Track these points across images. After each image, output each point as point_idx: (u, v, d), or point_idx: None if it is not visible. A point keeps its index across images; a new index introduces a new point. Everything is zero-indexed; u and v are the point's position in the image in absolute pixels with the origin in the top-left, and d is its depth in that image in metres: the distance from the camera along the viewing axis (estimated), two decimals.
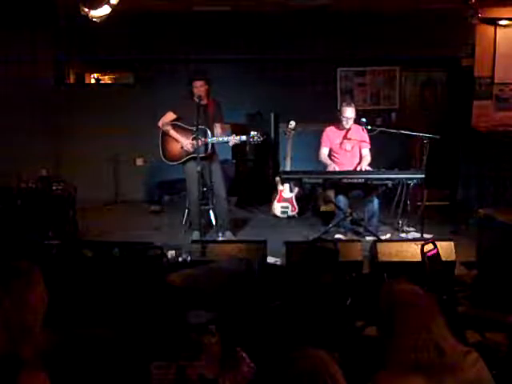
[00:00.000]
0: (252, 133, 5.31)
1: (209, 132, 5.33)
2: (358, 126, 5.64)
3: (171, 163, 5.54)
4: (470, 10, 6.83)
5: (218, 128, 5.49)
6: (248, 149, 7.43)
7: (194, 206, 5.48)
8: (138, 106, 7.31)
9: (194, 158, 5.26)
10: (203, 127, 5.27)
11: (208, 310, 3.02)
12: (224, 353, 2.27)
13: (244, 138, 5.32)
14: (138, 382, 2.19)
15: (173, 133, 5.46)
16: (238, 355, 2.18)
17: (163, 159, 5.54)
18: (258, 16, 7.15)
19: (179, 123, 5.48)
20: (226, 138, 5.36)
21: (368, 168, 5.63)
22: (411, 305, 1.76)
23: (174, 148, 5.48)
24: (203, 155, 5.29)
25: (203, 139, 5.28)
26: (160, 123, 5.50)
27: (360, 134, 5.70)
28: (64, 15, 6.91)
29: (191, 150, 5.32)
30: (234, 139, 5.31)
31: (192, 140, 5.33)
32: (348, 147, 5.75)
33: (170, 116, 5.50)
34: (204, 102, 5.31)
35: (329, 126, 5.84)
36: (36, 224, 5.09)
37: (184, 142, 5.39)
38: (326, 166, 5.74)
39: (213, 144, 5.39)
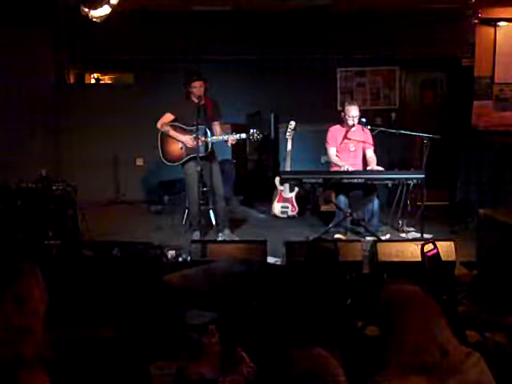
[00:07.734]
0: (251, 130, 5.31)
1: (208, 131, 5.34)
2: (361, 126, 5.60)
3: (171, 164, 5.54)
4: (470, 9, 6.83)
5: (217, 127, 5.50)
6: (248, 149, 7.43)
7: (193, 206, 5.48)
8: (138, 106, 7.30)
9: (194, 158, 5.27)
10: (203, 127, 5.28)
11: (208, 310, 3.02)
12: (224, 353, 2.27)
13: (244, 135, 5.32)
14: (138, 382, 2.19)
15: (173, 133, 5.47)
16: (238, 355, 2.18)
17: (163, 160, 5.55)
18: (258, 16, 7.15)
19: (178, 124, 5.48)
20: (225, 137, 5.36)
21: (379, 168, 5.55)
22: (412, 305, 1.75)
23: (174, 148, 5.49)
24: (203, 155, 5.30)
25: (203, 138, 5.29)
26: (159, 125, 5.49)
27: (364, 135, 5.67)
28: (64, 15, 6.91)
29: (193, 145, 5.29)
30: (232, 137, 5.32)
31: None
32: (352, 147, 5.73)
33: (168, 117, 5.50)
34: (203, 101, 5.32)
35: (333, 125, 5.79)
36: (36, 224, 5.08)
37: (185, 139, 5.39)
38: (338, 166, 5.60)
39: (212, 144, 5.40)
